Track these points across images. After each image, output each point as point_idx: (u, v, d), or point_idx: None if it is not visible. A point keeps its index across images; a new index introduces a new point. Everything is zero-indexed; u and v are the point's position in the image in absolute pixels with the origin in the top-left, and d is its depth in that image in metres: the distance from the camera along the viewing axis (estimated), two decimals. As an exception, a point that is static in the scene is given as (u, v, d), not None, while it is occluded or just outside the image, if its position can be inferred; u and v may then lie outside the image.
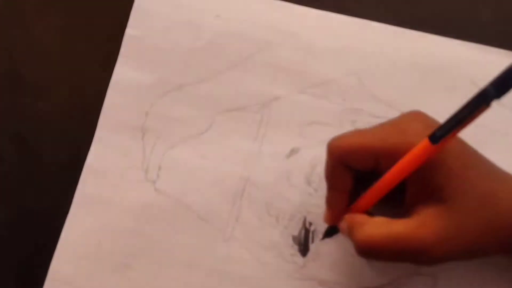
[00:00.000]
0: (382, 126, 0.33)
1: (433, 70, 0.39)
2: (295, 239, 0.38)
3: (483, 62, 0.39)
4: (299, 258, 0.38)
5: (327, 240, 0.38)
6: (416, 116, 0.33)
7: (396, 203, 0.33)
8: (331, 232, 0.36)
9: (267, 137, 0.40)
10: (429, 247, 0.30)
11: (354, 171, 0.33)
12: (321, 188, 0.38)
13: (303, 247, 0.38)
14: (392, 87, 0.40)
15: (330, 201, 0.35)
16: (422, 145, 0.30)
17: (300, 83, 0.40)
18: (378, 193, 0.33)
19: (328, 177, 0.34)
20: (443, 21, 0.40)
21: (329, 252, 0.38)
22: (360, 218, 0.33)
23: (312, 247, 0.38)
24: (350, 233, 0.33)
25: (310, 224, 0.38)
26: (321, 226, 0.38)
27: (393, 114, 0.38)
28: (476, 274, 0.37)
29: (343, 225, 0.34)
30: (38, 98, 0.42)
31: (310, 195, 0.39)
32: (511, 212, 0.30)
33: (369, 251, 0.31)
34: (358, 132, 0.33)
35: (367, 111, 0.39)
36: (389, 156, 0.31)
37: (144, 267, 0.39)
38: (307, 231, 0.38)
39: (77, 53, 0.42)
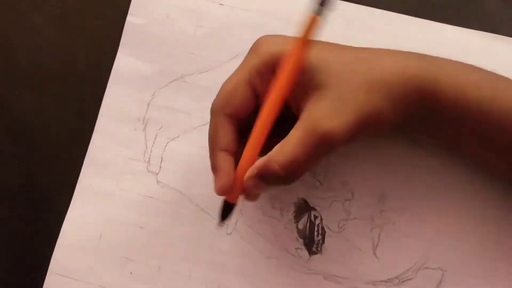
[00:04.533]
0: (245, 60, 0.34)
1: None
2: (300, 232, 0.38)
3: (490, 50, 0.39)
4: (304, 252, 0.37)
5: (333, 234, 0.37)
6: (271, 40, 0.34)
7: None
8: (227, 210, 0.33)
9: (271, 128, 0.39)
10: (326, 128, 0.30)
11: (236, 126, 0.33)
12: (327, 180, 0.38)
13: (308, 241, 0.38)
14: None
15: (216, 163, 0.32)
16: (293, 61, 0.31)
17: (305, 72, 0.39)
18: (262, 129, 0.31)
19: (212, 136, 0.33)
20: (450, 9, 0.40)
21: (335, 246, 0.37)
22: (265, 159, 0.31)
23: (318, 240, 0.37)
24: (262, 176, 0.31)
25: (316, 217, 0.38)
26: (327, 219, 0.38)
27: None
28: (483, 266, 0.36)
29: (248, 181, 0.32)
30: (37, 89, 0.42)
31: (316, 188, 0.38)
32: (389, 68, 0.32)
33: (290, 171, 0.31)
34: (228, 79, 0.34)
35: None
36: (260, 82, 0.33)
37: (146, 260, 0.38)
38: (312, 224, 0.38)
39: (76, 42, 0.42)
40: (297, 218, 0.38)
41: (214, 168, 0.33)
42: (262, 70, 0.32)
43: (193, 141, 0.40)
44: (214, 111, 0.34)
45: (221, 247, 0.38)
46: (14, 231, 0.40)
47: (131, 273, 0.38)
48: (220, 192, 0.33)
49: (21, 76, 0.42)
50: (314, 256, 0.37)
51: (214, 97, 0.39)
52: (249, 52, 0.34)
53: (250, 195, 0.33)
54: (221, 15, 0.41)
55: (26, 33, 0.42)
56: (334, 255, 0.37)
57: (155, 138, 0.40)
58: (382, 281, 0.37)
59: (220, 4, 0.41)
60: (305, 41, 0.31)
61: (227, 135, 0.33)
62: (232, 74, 0.34)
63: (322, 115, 0.31)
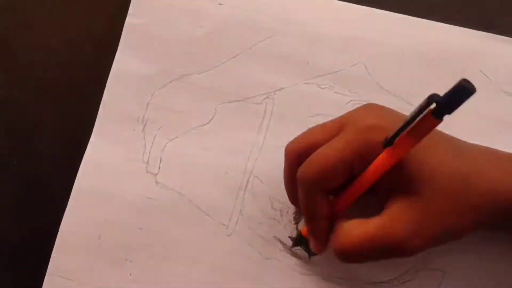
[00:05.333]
0: (344, 134, 0.32)
1: (441, 59, 0.39)
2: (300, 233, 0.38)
3: (492, 51, 0.39)
4: (303, 253, 0.37)
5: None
6: (372, 112, 0.33)
7: (370, 202, 0.33)
8: (299, 240, 0.37)
9: (271, 129, 0.39)
10: (402, 242, 0.30)
11: (327, 193, 0.33)
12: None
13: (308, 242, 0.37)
14: (400, 77, 0.39)
15: (316, 231, 0.34)
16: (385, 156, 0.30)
17: (305, 73, 0.39)
18: (348, 199, 0.32)
19: (307, 208, 0.33)
20: (450, 9, 0.40)
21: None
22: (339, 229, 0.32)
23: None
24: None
25: (315, 218, 0.38)
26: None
27: (400, 105, 0.38)
28: (483, 267, 0.36)
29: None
30: (35, 90, 0.41)
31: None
32: (483, 191, 0.31)
33: (347, 256, 0.32)
34: (323, 151, 0.32)
35: (374, 102, 0.38)
36: (359, 162, 0.31)
37: (145, 262, 0.38)
38: (312, 225, 0.38)
39: (75, 42, 0.41)
40: (297, 219, 0.38)
41: (313, 233, 0.34)
42: (362, 151, 0.31)
43: (193, 141, 0.39)
44: (309, 186, 0.32)
45: (221, 248, 0.38)
46: (12, 232, 0.40)
47: (130, 274, 0.38)
48: (318, 252, 0.35)
49: (21, 76, 0.41)
50: (314, 257, 0.37)
51: (214, 97, 0.39)
52: (351, 124, 0.32)
53: None
54: (220, 15, 0.40)
55: (25, 33, 0.42)
56: (334, 256, 0.37)
57: (154, 138, 0.40)
58: (382, 282, 0.37)
59: (220, 3, 0.40)
60: (413, 140, 0.29)
61: (324, 207, 0.33)
62: (330, 146, 0.32)
63: (404, 229, 0.30)
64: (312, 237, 0.34)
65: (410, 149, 0.29)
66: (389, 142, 0.30)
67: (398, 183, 0.31)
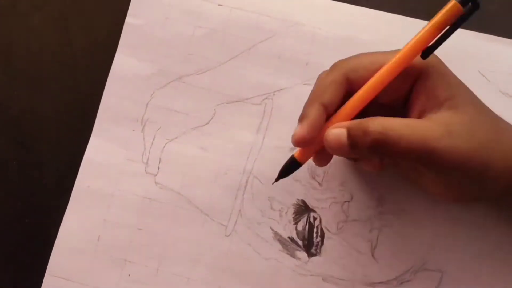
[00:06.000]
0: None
1: (440, 61, 0.39)
2: (299, 234, 0.38)
3: (490, 52, 0.39)
4: (303, 254, 0.37)
5: (332, 235, 0.37)
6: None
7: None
8: (290, 168, 0.33)
9: (270, 130, 0.39)
10: (437, 140, 0.30)
11: (346, 95, 0.32)
12: (326, 182, 0.38)
13: (308, 242, 0.37)
14: (399, 78, 0.39)
15: (309, 112, 0.31)
16: (405, 58, 0.31)
17: (304, 73, 0.39)
18: (361, 102, 0.31)
19: (319, 89, 0.32)
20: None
21: (333, 248, 0.37)
22: (368, 120, 0.30)
23: (317, 242, 0.37)
24: (353, 137, 0.30)
25: (315, 218, 0.38)
26: (326, 220, 0.38)
27: (399, 106, 0.38)
28: (482, 268, 0.36)
29: (331, 135, 0.31)
30: (35, 90, 0.41)
31: (315, 189, 0.38)
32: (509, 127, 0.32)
33: (384, 142, 0.29)
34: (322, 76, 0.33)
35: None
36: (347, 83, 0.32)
37: (144, 262, 0.38)
38: (311, 226, 0.38)
39: (74, 43, 0.41)
40: (296, 219, 0.38)
41: (303, 116, 0.31)
42: (349, 74, 0.32)
43: (192, 142, 0.39)
44: (336, 68, 0.32)
45: (220, 248, 0.38)
46: (12, 232, 0.40)
47: (129, 275, 0.38)
48: (298, 140, 0.31)
49: (20, 76, 0.41)
50: (313, 258, 0.37)
51: (213, 97, 0.40)
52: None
53: (323, 158, 0.33)
54: (219, 15, 0.40)
55: (25, 33, 0.42)
56: (333, 256, 0.37)
57: (154, 139, 0.40)
58: (380, 282, 0.37)
59: (219, 4, 0.40)
60: (438, 26, 0.30)
61: (336, 94, 0.31)
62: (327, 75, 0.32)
63: (438, 129, 0.30)
64: (301, 121, 0.31)
65: (431, 40, 0.30)
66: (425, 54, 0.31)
67: (441, 99, 0.31)
